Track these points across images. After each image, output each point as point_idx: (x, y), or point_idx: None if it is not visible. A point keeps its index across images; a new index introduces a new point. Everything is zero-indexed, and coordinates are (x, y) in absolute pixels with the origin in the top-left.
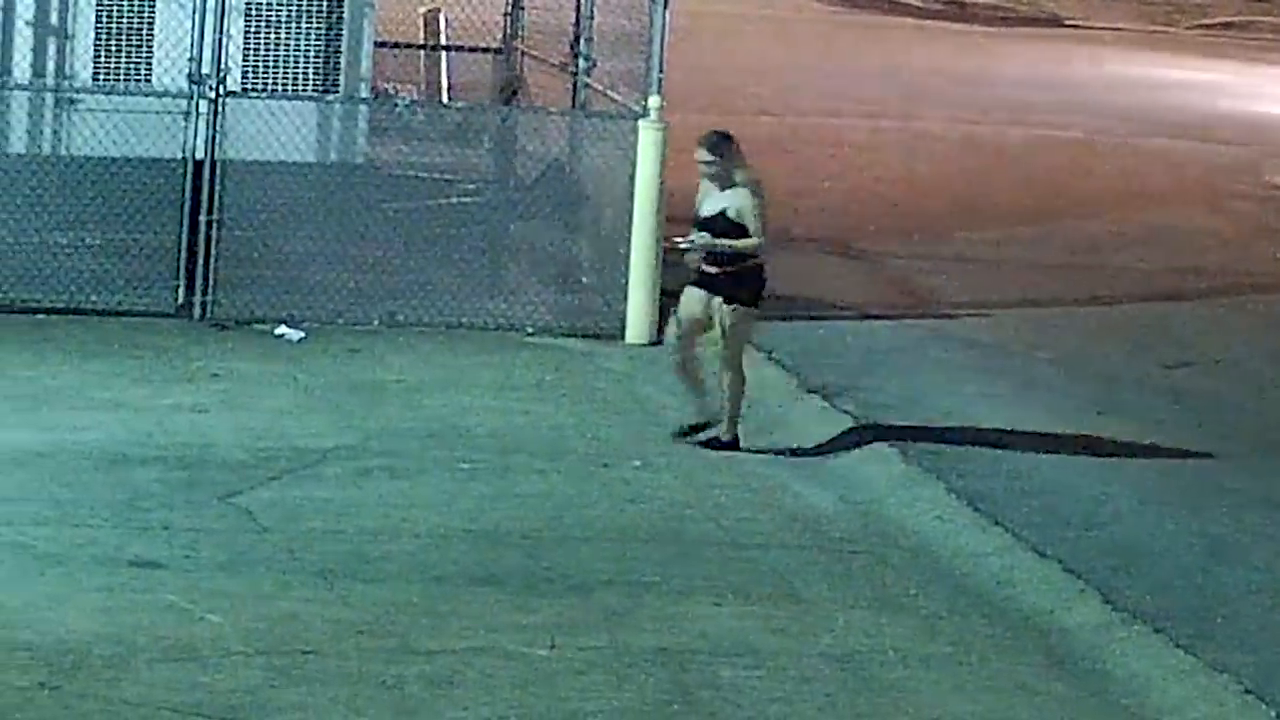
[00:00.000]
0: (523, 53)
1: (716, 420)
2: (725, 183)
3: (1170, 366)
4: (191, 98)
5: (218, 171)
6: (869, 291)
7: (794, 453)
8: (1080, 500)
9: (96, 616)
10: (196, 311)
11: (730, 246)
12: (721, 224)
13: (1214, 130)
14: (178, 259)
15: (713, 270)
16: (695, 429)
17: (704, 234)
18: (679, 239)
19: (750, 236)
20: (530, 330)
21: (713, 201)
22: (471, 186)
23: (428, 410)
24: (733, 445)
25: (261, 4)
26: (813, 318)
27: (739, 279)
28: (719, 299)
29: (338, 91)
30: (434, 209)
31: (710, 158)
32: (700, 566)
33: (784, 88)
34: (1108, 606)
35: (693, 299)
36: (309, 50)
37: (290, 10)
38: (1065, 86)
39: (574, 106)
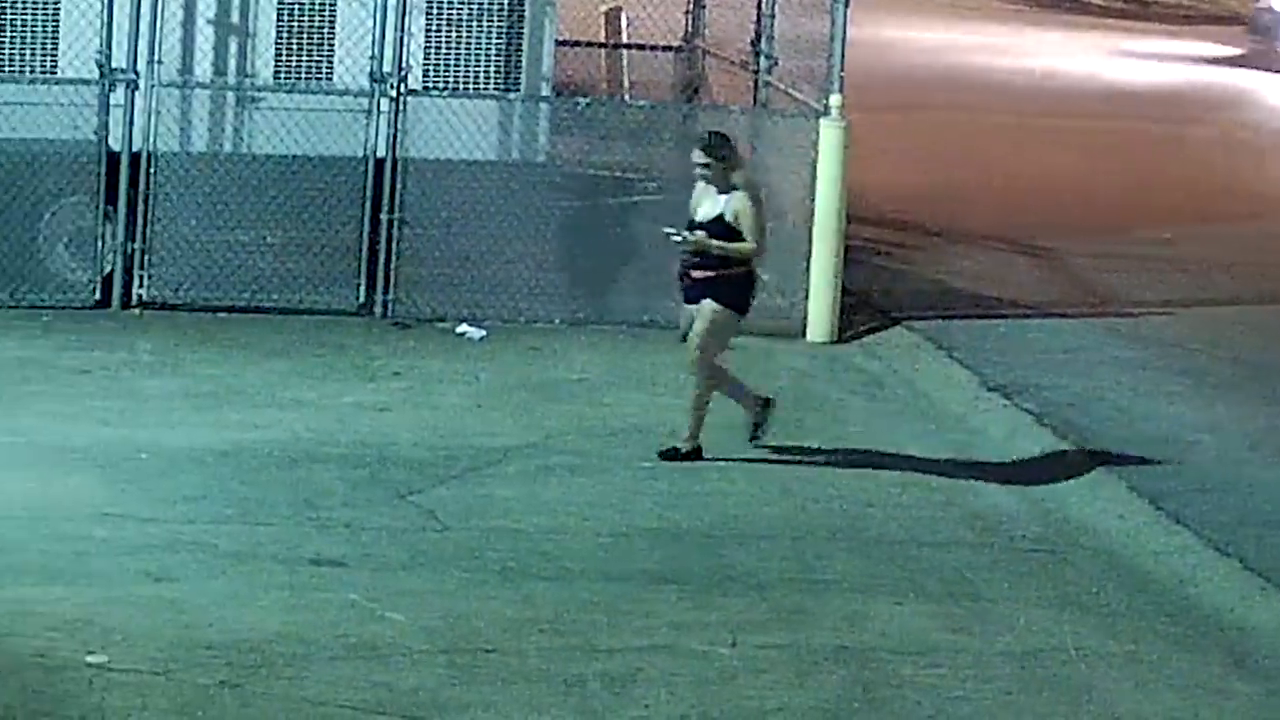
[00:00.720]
0: (704, 51)
1: (760, 417)
2: (723, 185)
3: None
4: (373, 96)
5: (399, 170)
6: (1048, 289)
7: (974, 451)
8: (1263, 499)
9: (278, 614)
10: (378, 310)
11: (723, 249)
12: (717, 228)
13: None
14: (359, 257)
15: (702, 275)
16: (758, 429)
17: (700, 233)
18: (670, 229)
19: (746, 241)
20: None
21: (710, 205)
22: (653, 185)
23: (609, 408)
24: (693, 455)
25: (443, 2)
26: (993, 315)
27: (729, 282)
28: (706, 300)
29: (519, 90)
30: (615, 207)
31: (706, 160)
32: (880, 565)
33: (964, 85)
34: None
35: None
36: (490, 48)
37: (471, 9)
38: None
39: (755, 104)
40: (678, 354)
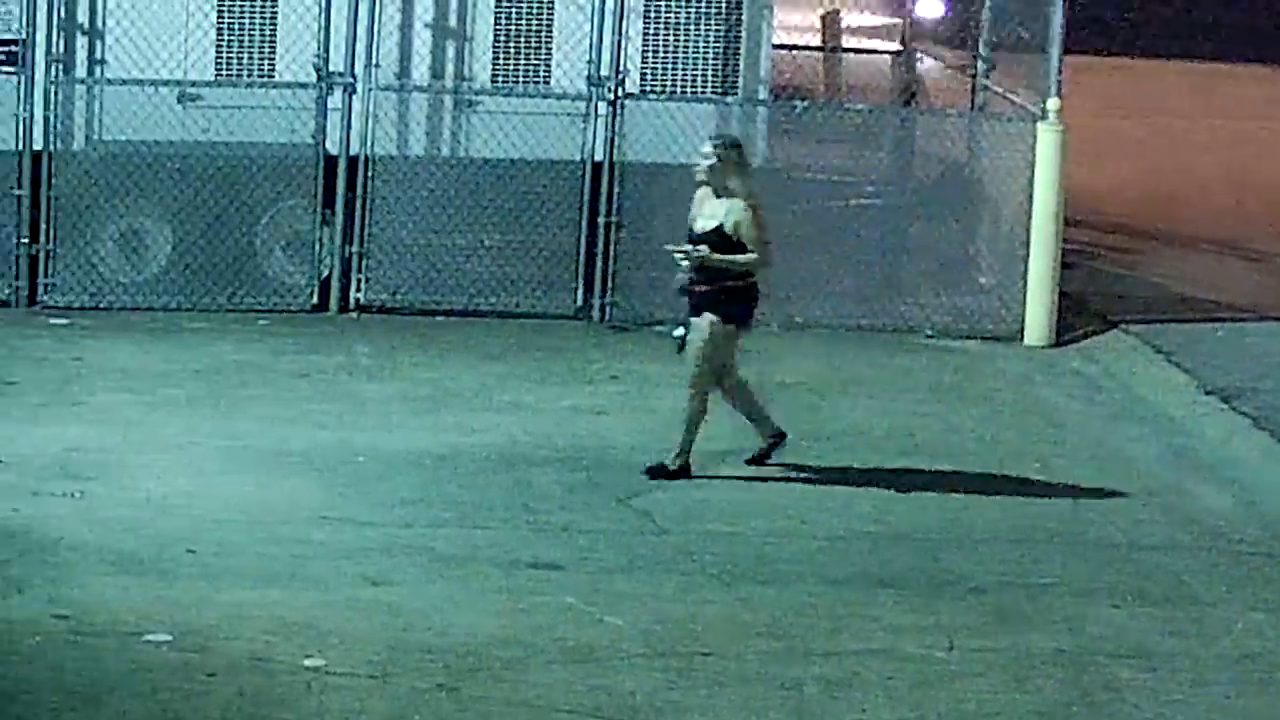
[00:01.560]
0: (921, 53)
1: (771, 436)
2: (721, 190)
3: None
4: (590, 99)
5: (616, 173)
6: (1267, 293)
7: (1192, 454)
8: None
9: (495, 618)
10: (595, 313)
11: (729, 262)
12: (715, 239)
13: None
14: (576, 261)
15: (704, 288)
16: (767, 452)
17: (703, 248)
18: (672, 247)
19: (749, 252)
20: (929, 332)
21: (708, 215)
22: (870, 188)
23: (825, 412)
24: (681, 473)
25: (660, 6)
26: (1210, 319)
27: (730, 295)
28: (705, 314)
29: (736, 93)
30: (832, 210)
31: (713, 154)
32: (1098, 568)
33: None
34: None
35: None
36: (707, 52)
37: (689, 12)
38: None
39: (973, 108)
40: (896, 357)
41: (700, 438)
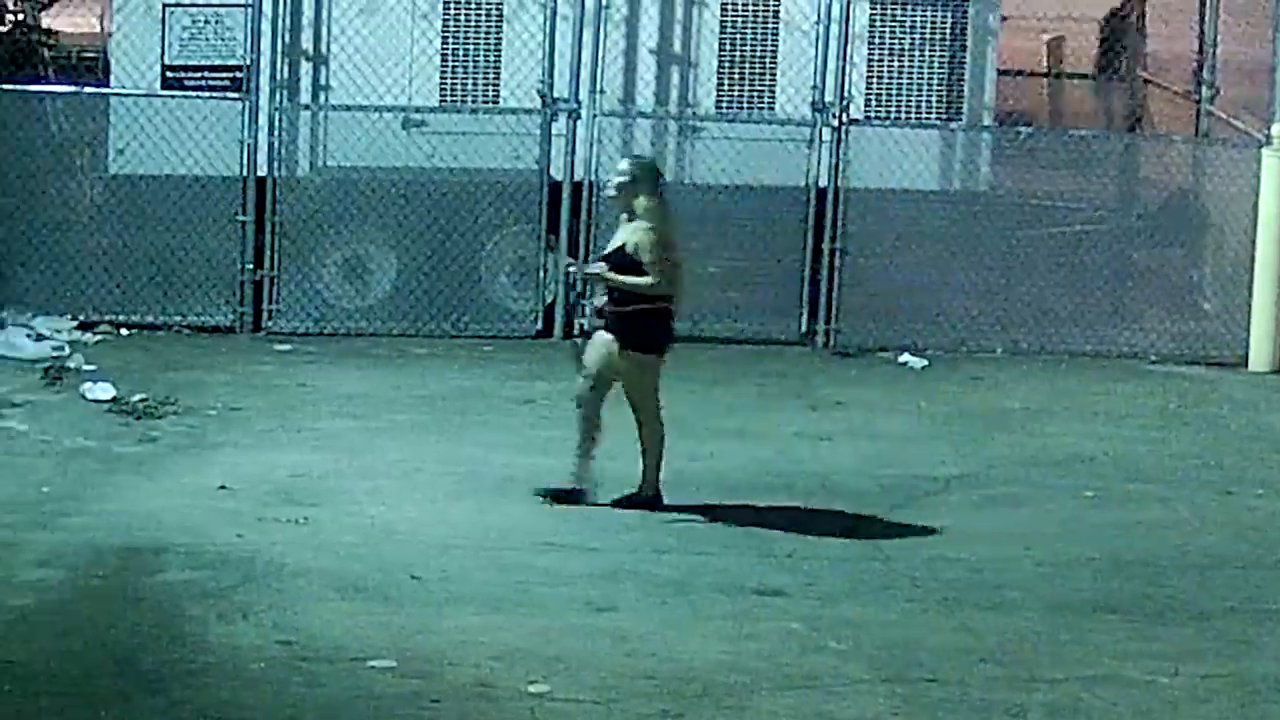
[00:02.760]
0: (1144, 80)
1: (586, 486)
2: (628, 210)
3: None
4: (814, 125)
5: (840, 199)
6: None
7: None
8: None
9: (719, 643)
10: (820, 339)
11: (619, 282)
12: (617, 259)
13: None
14: (800, 287)
15: (615, 310)
16: (562, 496)
17: (602, 264)
18: (569, 261)
19: (646, 276)
20: (1153, 358)
21: (619, 235)
22: (1094, 214)
23: (1050, 437)
24: (651, 504)
25: (884, 32)
26: None
27: (637, 322)
28: (616, 344)
29: (960, 119)
30: (1056, 237)
31: (625, 175)
32: None
33: None
34: None
35: (599, 343)
36: (931, 78)
37: (913, 38)
38: None
39: (1196, 134)
40: (1120, 383)
41: (926, 466)
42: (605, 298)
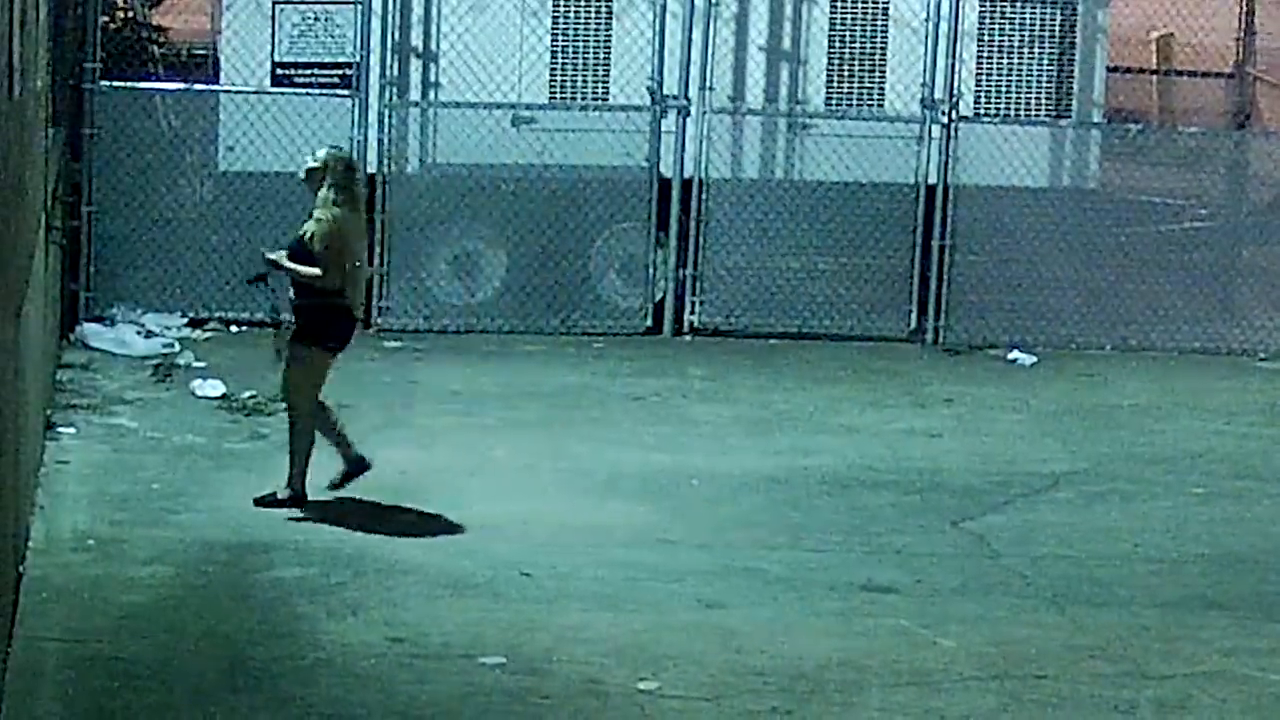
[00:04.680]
0: (1255, 77)
1: (352, 470)
2: (314, 197)
3: None
4: (924, 123)
5: (950, 196)
6: None
7: None
8: None
9: (829, 641)
10: (929, 336)
11: (292, 270)
12: (296, 248)
13: None
14: (910, 283)
15: (293, 301)
16: (344, 480)
17: (282, 252)
18: (265, 250)
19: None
20: (1262, 355)
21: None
22: (1203, 211)
23: (1159, 434)
24: (293, 501)
25: (994, 29)
26: None
27: (310, 313)
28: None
29: (1070, 116)
30: (1165, 234)
31: (317, 163)
32: None
33: None
34: None
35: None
36: (1041, 75)
37: (1023, 35)
38: None
39: None
40: (1229, 379)
41: (1035, 463)
42: (293, 290)
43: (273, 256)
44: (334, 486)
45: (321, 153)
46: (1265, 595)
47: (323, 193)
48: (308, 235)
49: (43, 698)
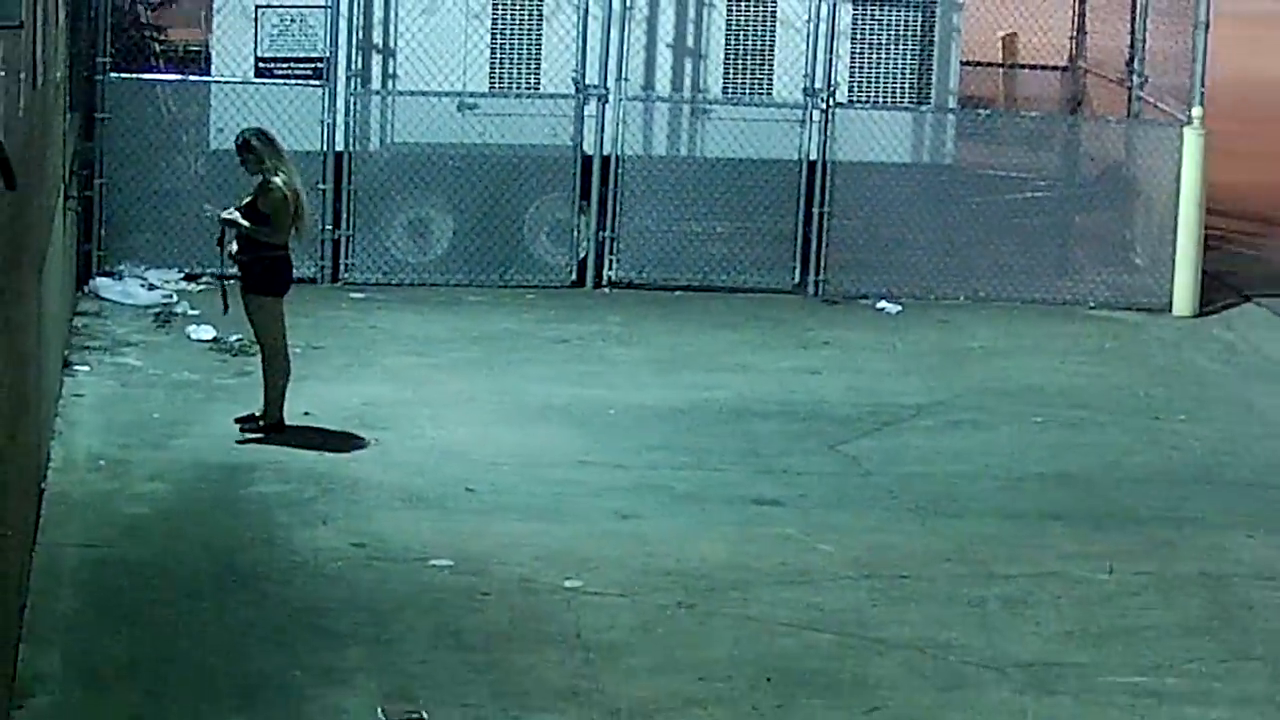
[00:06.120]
0: (1085, 70)
1: (267, 420)
2: (258, 174)
3: None
4: (806, 108)
5: (828, 171)
6: None
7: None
8: None
9: (726, 546)
10: (810, 289)
11: (248, 229)
12: (247, 211)
13: None
14: (794, 244)
15: (238, 258)
16: (254, 421)
17: (235, 213)
18: (209, 206)
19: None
20: (1091, 305)
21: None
22: (1042, 183)
23: (1005, 372)
24: (274, 428)
25: (865, 28)
26: None
27: (258, 267)
28: (245, 284)
29: (929, 103)
30: (1010, 202)
31: (240, 155)
32: (1235, 504)
33: None
34: None
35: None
36: (905, 68)
37: (889, 34)
38: None
39: (1128, 116)
40: (1064, 326)
41: (900, 396)
42: (236, 245)
43: (227, 215)
44: (239, 421)
45: (238, 138)
46: (1095, 508)
47: (268, 169)
48: (261, 202)
49: (62, 594)
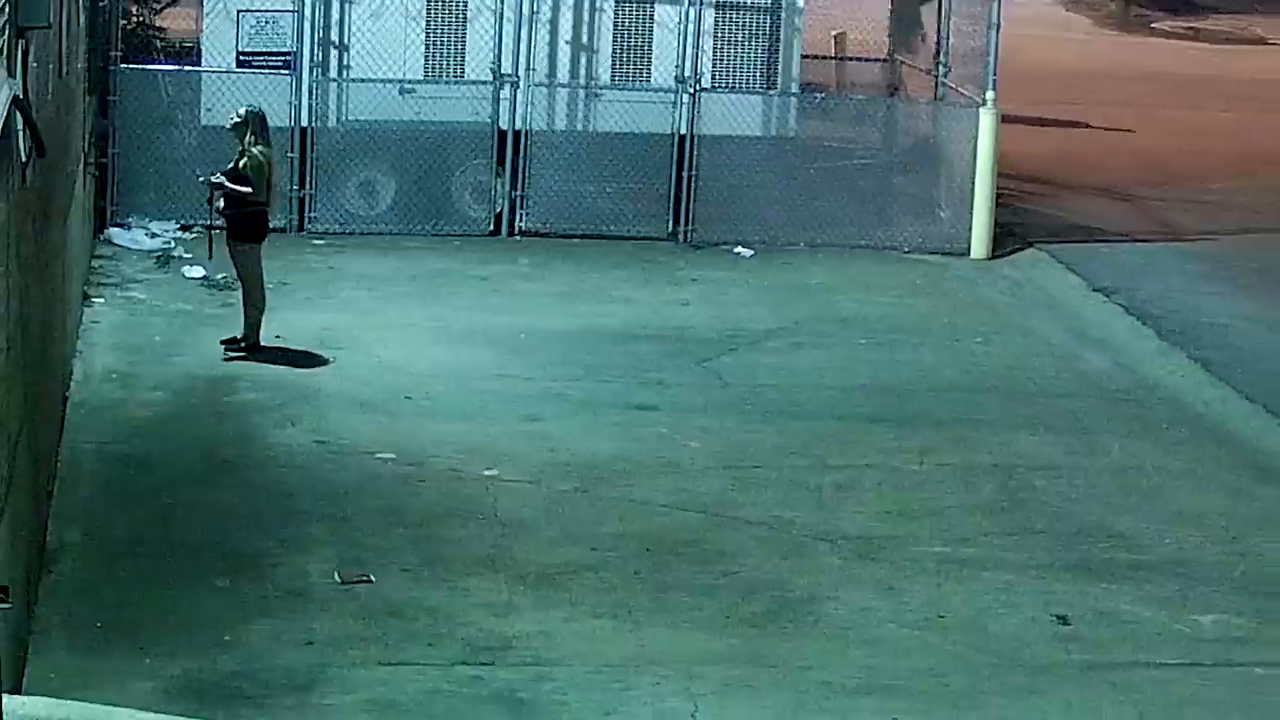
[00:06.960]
0: (901, 61)
1: (246, 340)
2: (244, 144)
3: None
4: (677, 92)
5: (695, 142)
6: (1136, 223)
7: (1083, 332)
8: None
9: (613, 443)
10: (681, 237)
11: (233, 190)
12: (232, 174)
13: None
14: (668, 201)
15: (225, 212)
16: (238, 343)
17: (222, 177)
18: (201, 174)
19: (248, 187)
20: (905, 250)
21: (237, 158)
22: (866, 153)
23: (837, 304)
24: (253, 348)
25: (725, 29)
26: (1097, 241)
27: (241, 220)
28: (231, 238)
29: (776, 88)
30: (840, 168)
31: (239, 118)
32: (1021, 409)
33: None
34: None
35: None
36: (757, 60)
37: (744, 33)
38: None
39: (935, 99)
40: (884, 266)
41: (754, 323)
42: (223, 202)
43: (215, 180)
44: (224, 342)
45: (243, 110)
46: (907, 413)
47: (249, 137)
48: (244, 166)
49: (82, 482)
